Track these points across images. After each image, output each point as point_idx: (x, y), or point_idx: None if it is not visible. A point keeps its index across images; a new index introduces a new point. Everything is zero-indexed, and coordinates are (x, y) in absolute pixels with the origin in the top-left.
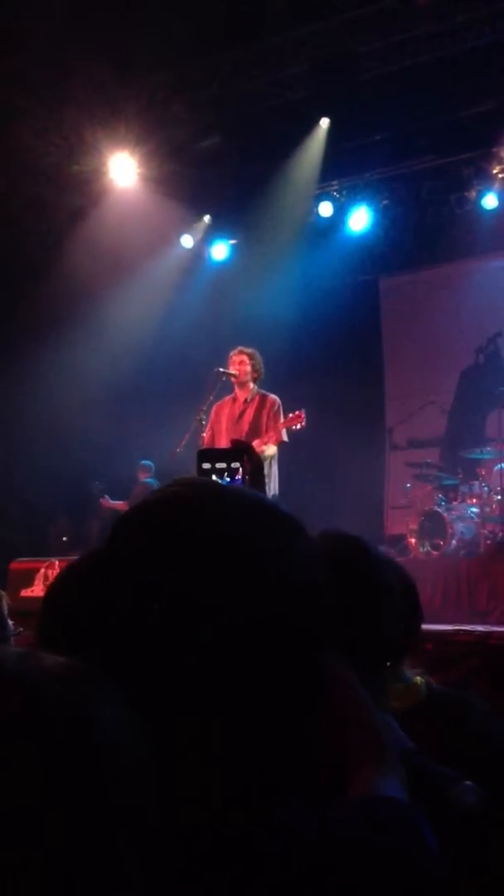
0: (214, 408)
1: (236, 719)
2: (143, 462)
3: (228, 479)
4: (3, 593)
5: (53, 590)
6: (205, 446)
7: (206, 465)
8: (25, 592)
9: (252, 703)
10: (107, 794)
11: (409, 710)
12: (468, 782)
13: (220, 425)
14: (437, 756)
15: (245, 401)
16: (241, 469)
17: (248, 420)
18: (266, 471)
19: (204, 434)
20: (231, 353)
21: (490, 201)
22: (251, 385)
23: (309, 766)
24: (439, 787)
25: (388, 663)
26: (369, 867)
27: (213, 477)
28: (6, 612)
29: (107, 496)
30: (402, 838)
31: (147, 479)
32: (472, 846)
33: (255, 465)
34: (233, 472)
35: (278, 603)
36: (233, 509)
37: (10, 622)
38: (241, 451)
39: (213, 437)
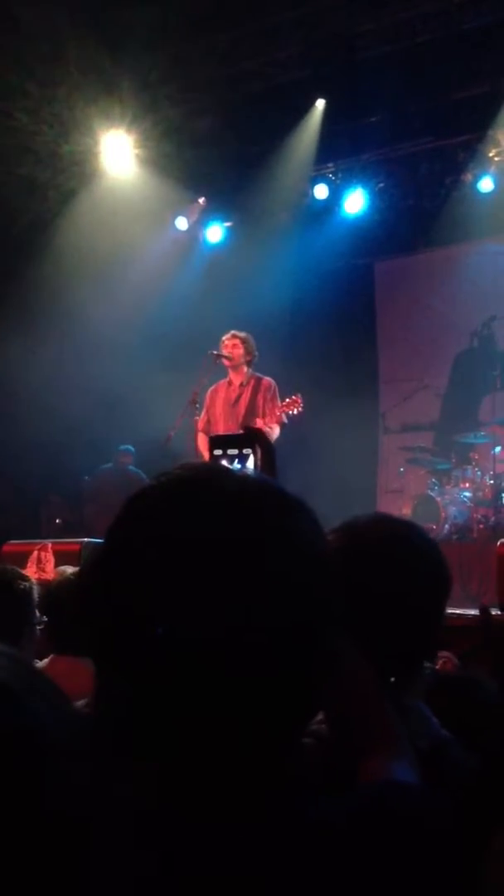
0: (209, 392)
1: (242, 706)
2: (124, 447)
3: (239, 465)
4: (33, 581)
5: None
6: (200, 430)
7: (218, 452)
8: None
9: (257, 690)
10: (41, 787)
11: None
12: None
13: (215, 409)
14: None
15: (240, 385)
16: (252, 455)
17: (245, 404)
18: None
19: (197, 418)
20: (224, 338)
21: (486, 184)
22: (245, 369)
23: (320, 756)
24: (468, 777)
25: (421, 657)
26: (380, 850)
27: (224, 463)
28: (36, 601)
29: None
30: (414, 821)
31: (130, 465)
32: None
33: (266, 450)
34: (244, 458)
35: (281, 592)
36: (238, 496)
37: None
38: (253, 437)
39: (208, 421)
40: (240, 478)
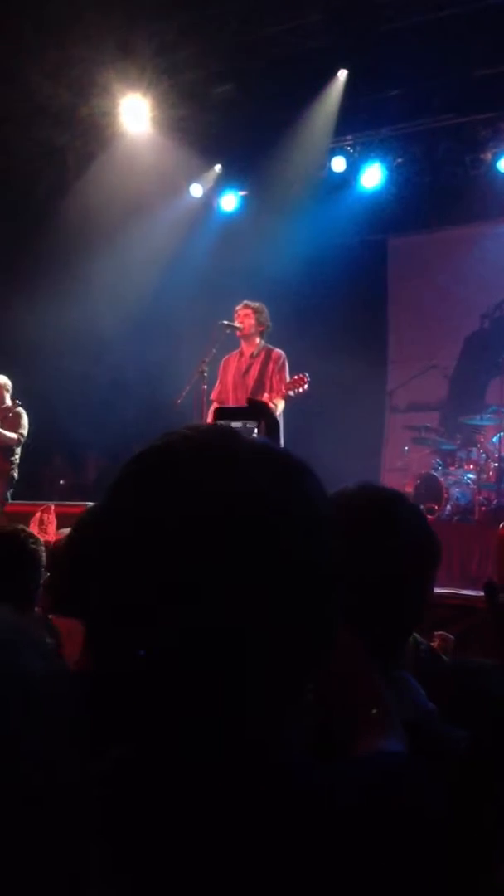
0: (223, 361)
1: (243, 668)
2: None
3: None
4: (41, 541)
5: (71, 537)
6: (213, 399)
7: (223, 423)
8: None
9: (261, 650)
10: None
11: (430, 676)
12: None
13: (227, 379)
14: (461, 722)
15: (251, 355)
16: (257, 428)
17: (254, 375)
18: None
19: (205, 386)
20: (237, 307)
21: None
22: (257, 339)
23: (312, 731)
24: (452, 748)
25: (409, 628)
26: (372, 815)
27: None
28: (44, 561)
29: None
30: (403, 787)
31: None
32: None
33: (270, 423)
34: (248, 432)
35: (287, 552)
36: (244, 455)
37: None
38: (258, 410)
39: (221, 390)
40: (247, 440)
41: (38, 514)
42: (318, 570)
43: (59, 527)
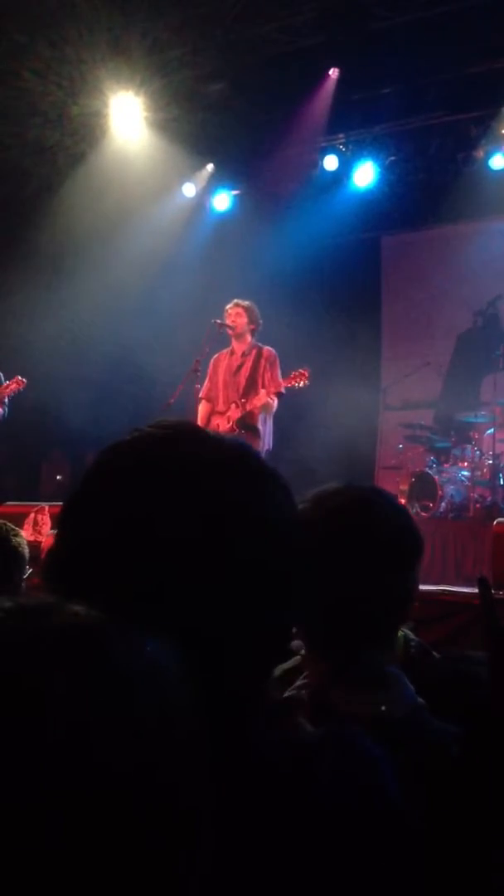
0: (212, 360)
1: (198, 665)
2: None
3: None
4: (21, 534)
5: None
6: (202, 397)
7: (191, 421)
8: None
9: (213, 650)
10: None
11: (421, 670)
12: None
13: (217, 378)
14: (449, 711)
15: (242, 354)
16: None
17: (246, 374)
18: (260, 427)
19: (199, 386)
20: (227, 306)
21: (497, 162)
22: (248, 338)
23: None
24: (441, 743)
25: (396, 622)
26: (332, 799)
27: None
28: (27, 554)
29: None
30: (364, 771)
31: None
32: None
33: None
34: None
35: (244, 552)
36: (209, 455)
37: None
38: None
39: (210, 389)
40: (215, 439)
41: (32, 515)
42: (277, 572)
43: (53, 527)
